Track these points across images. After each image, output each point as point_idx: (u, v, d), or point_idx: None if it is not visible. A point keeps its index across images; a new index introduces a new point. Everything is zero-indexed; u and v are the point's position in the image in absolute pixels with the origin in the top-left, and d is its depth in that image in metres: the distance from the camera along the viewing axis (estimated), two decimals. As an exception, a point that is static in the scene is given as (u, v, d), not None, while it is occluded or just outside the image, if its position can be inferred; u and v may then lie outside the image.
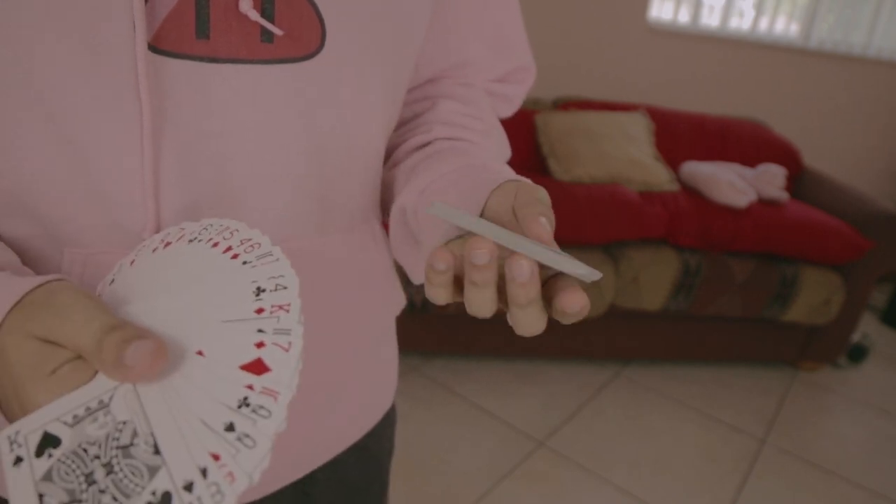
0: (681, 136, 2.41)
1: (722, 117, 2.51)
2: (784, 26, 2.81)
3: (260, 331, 0.27)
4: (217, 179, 0.38)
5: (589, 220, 1.89)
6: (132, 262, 0.34)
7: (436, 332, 1.95)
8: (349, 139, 0.42)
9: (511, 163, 2.22)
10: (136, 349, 0.25)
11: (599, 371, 2.13)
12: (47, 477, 0.25)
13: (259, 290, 0.29)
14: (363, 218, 0.48)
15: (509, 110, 0.57)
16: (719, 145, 2.44)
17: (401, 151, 0.49)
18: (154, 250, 0.34)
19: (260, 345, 0.27)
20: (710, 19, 2.70)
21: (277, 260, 0.30)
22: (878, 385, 2.26)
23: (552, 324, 1.99)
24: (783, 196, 2.11)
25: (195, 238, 0.33)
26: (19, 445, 0.26)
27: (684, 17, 2.68)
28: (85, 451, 0.25)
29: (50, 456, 0.25)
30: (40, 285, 0.29)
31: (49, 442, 0.26)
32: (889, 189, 3.23)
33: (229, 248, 0.31)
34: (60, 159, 0.34)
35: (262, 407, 0.25)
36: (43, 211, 0.36)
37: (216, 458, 0.24)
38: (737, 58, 2.76)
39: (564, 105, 2.38)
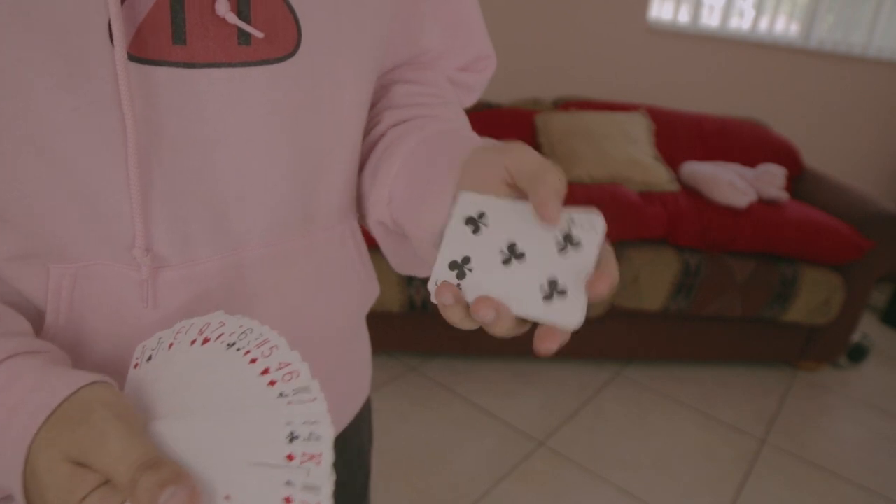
0: (681, 136, 2.41)
1: (722, 117, 2.51)
2: (784, 26, 2.81)
3: (288, 483, 0.27)
4: (203, 188, 0.37)
5: (589, 220, 1.89)
6: (171, 345, 0.34)
7: (436, 332, 1.95)
8: (329, 137, 0.42)
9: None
10: (170, 496, 0.25)
11: (599, 371, 2.13)
12: None
13: (292, 436, 0.28)
14: (342, 215, 0.48)
15: (470, 100, 0.57)
16: (719, 145, 2.44)
17: (362, 151, 0.49)
18: (192, 342, 0.34)
19: (287, 500, 0.27)
20: (710, 19, 2.70)
21: (315, 400, 0.30)
22: (878, 385, 2.26)
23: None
24: (783, 196, 2.11)
25: (233, 344, 0.33)
26: None
27: (684, 17, 2.68)
28: None
29: None
30: (76, 392, 0.29)
31: None
32: (889, 189, 3.23)
33: (267, 371, 0.31)
34: (47, 175, 0.34)
35: None
36: (32, 226, 0.35)
37: None
38: (737, 58, 2.76)
39: (564, 105, 2.38)
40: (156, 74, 0.33)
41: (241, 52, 0.35)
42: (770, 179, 2.16)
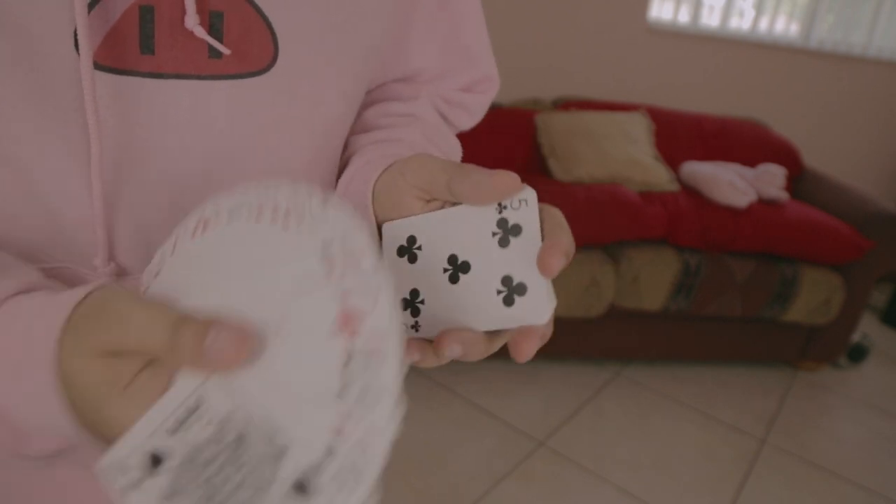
0: (681, 136, 2.41)
1: (722, 117, 2.52)
2: (784, 26, 2.81)
3: (341, 292, 0.24)
4: (168, 199, 0.37)
5: (589, 220, 1.89)
6: (173, 250, 0.30)
7: (436, 332, 1.94)
8: (304, 154, 0.41)
9: (511, 163, 2.22)
10: (216, 336, 0.24)
11: (599, 371, 2.13)
12: (171, 493, 0.23)
13: (326, 245, 0.25)
14: None
15: (470, 121, 0.54)
16: (719, 145, 2.44)
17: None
18: (192, 235, 0.30)
19: (344, 300, 0.24)
20: (710, 19, 2.70)
21: (336, 216, 0.26)
22: (878, 385, 2.26)
23: (552, 324, 1.98)
24: (783, 196, 2.12)
25: (232, 214, 0.29)
26: (125, 472, 0.24)
27: (684, 17, 2.68)
28: (198, 455, 0.24)
29: (163, 472, 0.24)
30: (85, 297, 0.27)
31: (157, 459, 0.24)
32: (889, 189, 3.23)
33: (277, 212, 0.27)
34: (9, 181, 0.33)
35: (369, 358, 0.22)
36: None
37: (340, 429, 0.22)
38: (737, 58, 2.76)
39: (564, 105, 2.38)
40: (122, 84, 0.33)
41: (212, 65, 0.34)
42: (770, 179, 2.16)
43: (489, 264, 0.30)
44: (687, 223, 1.97)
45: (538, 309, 0.29)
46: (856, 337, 2.31)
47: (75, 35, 0.31)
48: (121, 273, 0.37)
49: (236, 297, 0.26)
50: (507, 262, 0.30)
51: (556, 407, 1.92)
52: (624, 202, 1.94)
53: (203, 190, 0.37)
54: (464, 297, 0.31)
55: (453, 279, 0.31)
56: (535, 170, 2.24)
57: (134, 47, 0.32)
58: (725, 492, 1.66)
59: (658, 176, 2.13)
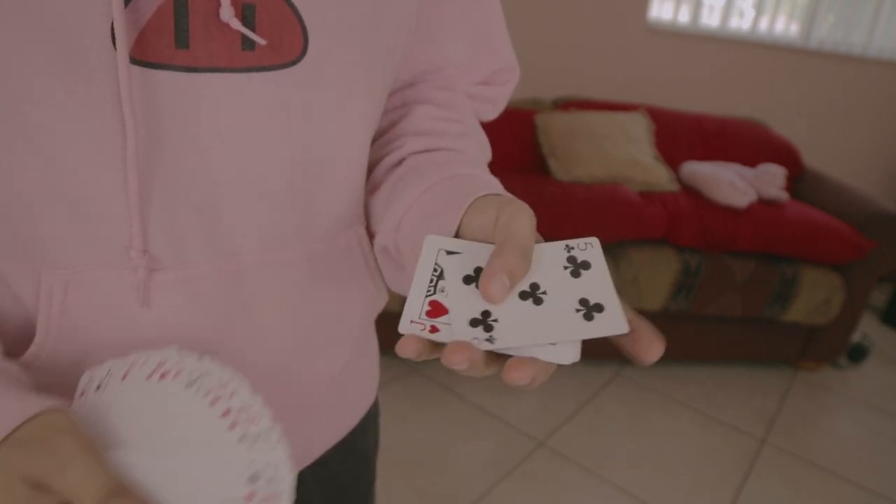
0: (681, 136, 2.41)
1: (722, 117, 2.52)
2: (784, 26, 2.81)
3: None
4: (199, 191, 0.37)
5: (589, 220, 1.89)
6: (124, 376, 0.33)
7: (436, 332, 1.94)
8: (333, 148, 0.41)
9: (511, 163, 2.22)
10: None
11: (599, 371, 2.13)
12: None
13: (254, 478, 0.29)
14: (347, 224, 0.47)
15: (493, 113, 0.55)
16: (719, 145, 2.44)
17: (378, 173, 0.48)
18: (148, 377, 0.33)
19: None
20: (710, 19, 2.71)
21: (274, 448, 0.30)
22: (878, 385, 2.26)
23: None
24: (783, 196, 2.12)
25: (192, 383, 0.33)
26: None
27: (684, 17, 2.68)
28: None
29: None
30: (35, 416, 0.29)
31: None
32: (889, 189, 3.23)
33: (228, 412, 0.31)
34: (40, 176, 0.33)
35: None
36: (24, 229, 0.35)
37: None
38: (737, 58, 2.76)
39: (564, 105, 2.38)
40: (157, 78, 0.33)
41: (245, 57, 0.35)
42: (770, 179, 2.16)
43: (565, 290, 0.34)
44: (687, 223, 1.97)
45: (617, 321, 0.32)
46: (856, 337, 2.31)
47: (111, 30, 0.31)
48: (153, 266, 0.38)
49: (165, 471, 0.29)
50: (582, 288, 0.34)
51: (556, 407, 1.92)
52: (624, 202, 1.94)
53: (233, 182, 0.38)
54: (543, 315, 0.33)
55: (535, 301, 0.34)
56: (535, 170, 2.24)
57: (169, 42, 0.33)
58: (725, 492, 1.66)
59: (658, 176, 2.13)
